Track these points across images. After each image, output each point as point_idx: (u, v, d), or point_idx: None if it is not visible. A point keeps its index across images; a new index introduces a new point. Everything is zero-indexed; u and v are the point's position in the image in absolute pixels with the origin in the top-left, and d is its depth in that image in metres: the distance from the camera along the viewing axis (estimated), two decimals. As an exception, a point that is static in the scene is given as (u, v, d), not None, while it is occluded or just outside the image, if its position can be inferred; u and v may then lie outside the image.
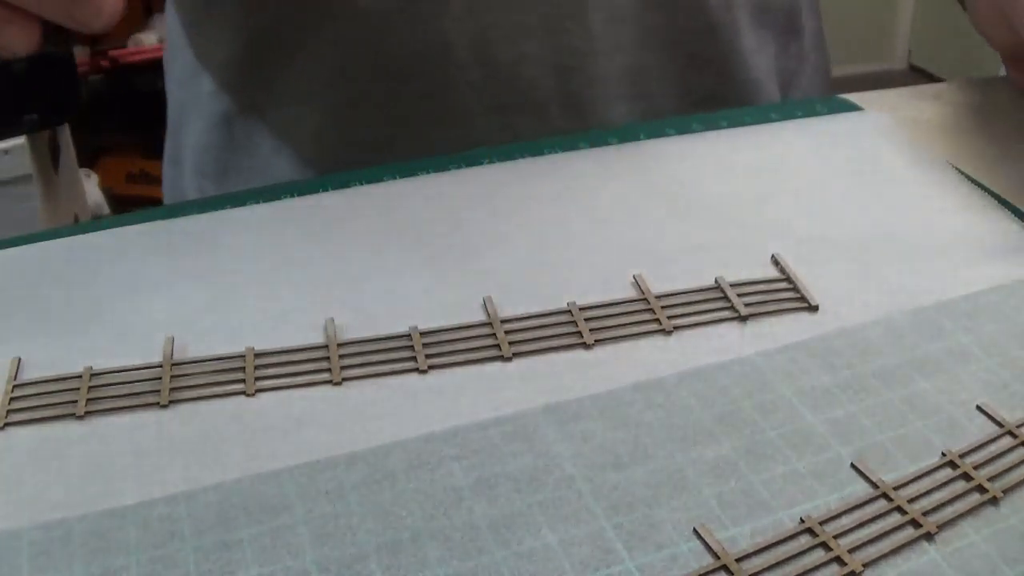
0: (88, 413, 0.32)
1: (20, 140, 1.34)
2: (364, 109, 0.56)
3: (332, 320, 0.36)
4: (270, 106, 0.58)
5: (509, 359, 0.34)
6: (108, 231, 0.41)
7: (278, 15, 0.56)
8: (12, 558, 0.27)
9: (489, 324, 0.36)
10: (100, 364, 0.34)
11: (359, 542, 0.28)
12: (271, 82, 0.57)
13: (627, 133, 0.49)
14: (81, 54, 1.77)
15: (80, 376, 0.33)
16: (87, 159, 1.74)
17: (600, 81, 0.56)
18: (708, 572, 0.27)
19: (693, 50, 0.58)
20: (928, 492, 0.29)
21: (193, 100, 0.61)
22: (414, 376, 0.34)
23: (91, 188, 1.69)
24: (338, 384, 0.33)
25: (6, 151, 1.34)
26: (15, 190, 1.35)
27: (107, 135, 1.91)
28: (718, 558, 0.27)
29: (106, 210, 1.71)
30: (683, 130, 0.49)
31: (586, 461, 0.30)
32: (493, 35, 0.54)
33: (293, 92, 0.57)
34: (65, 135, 1.45)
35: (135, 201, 1.81)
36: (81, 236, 0.41)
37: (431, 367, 0.34)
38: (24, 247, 0.40)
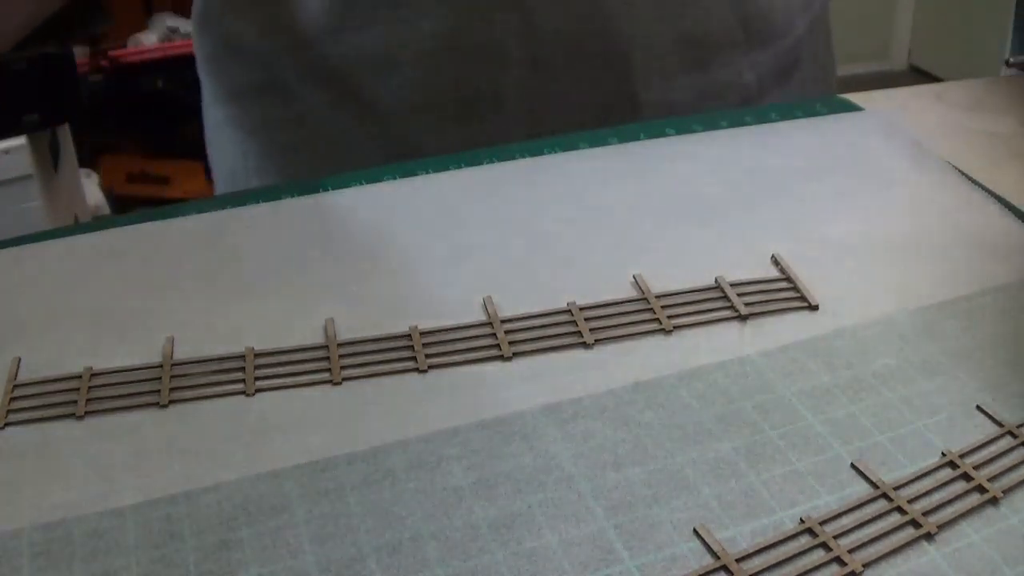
0: (88, 413, 0.32)
1: (20, 140, 1.34)
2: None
3: (332, 320, 0.36)
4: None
5: (509, 359, 0.34)
6: (108, 231, 0.41)
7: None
8: (12, 558, 0.27)
9: (489, 324, 0.36)
10: (100, 364, 0.34)
11: (359, 542, 0.28)
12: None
13: (627, 133, 0.49)
14: (81, 54, 1.77)
15: (80, 376, 0.33)
16: (87, 159, 1.74)
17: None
18: (708, 572, 0.27)
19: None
20: (928, 492, 0.29)
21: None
22: (414, 376, 0.34)
23: (91, 188, 1.68)
24: (338, 384, 0.33)
25: (6, 151, 1.34)
26: (15, 190, 1.35)
27: (107, 135, 1.91)
28: (718, 558, 0.27)
29: (106, 210, 1.71)
30: (683, 130, 0.49)
31: (586, 461, 0.30)
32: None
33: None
34: (65, 135, 1.45)
35: (135, 201, 1.81)
36: (81, 236, 0.41)
37: (431, 367, 0.34)
38: (24, 247, 0.40)
